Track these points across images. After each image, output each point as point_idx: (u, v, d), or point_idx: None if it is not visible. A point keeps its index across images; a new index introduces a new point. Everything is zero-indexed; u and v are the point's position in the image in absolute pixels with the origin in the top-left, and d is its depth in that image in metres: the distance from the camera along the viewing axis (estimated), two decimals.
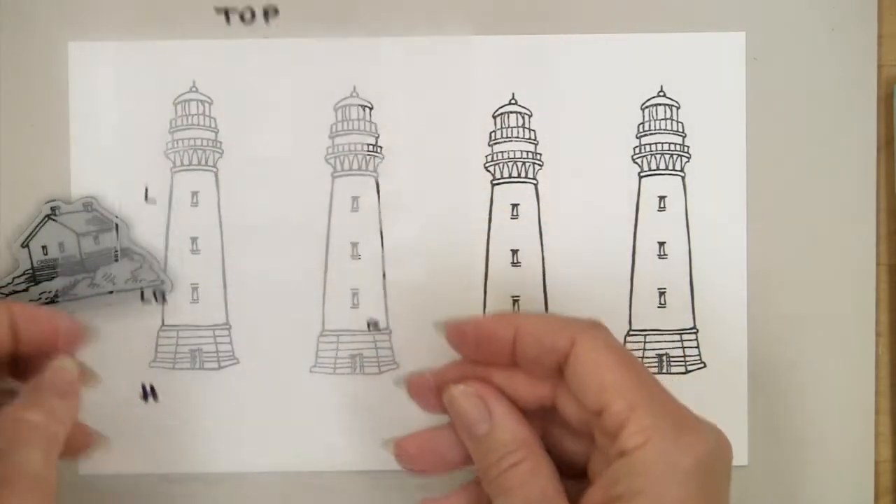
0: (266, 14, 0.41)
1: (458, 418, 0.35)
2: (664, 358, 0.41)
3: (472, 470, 0.36)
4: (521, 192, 0.42)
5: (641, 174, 0.42)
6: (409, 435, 0.37)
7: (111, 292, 0.41)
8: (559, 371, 0.34)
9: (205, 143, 0.41)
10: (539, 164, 0.42)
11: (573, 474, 0.35)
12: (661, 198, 0.42)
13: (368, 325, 0.41)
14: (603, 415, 0.32)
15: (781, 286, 0.41)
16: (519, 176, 0.42)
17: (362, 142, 0.41)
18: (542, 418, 0.36)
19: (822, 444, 0.41)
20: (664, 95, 0.42)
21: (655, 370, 0.41)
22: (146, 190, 0.41)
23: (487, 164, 0.42)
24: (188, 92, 0.41)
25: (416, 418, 0.41)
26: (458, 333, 0.36)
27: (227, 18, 0.41)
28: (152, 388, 0.41)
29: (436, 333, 0.36)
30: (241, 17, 0.41)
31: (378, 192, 0.42)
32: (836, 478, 0.41)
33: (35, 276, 0.40)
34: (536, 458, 0.34)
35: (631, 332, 0.41)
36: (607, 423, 0.32)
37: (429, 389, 0.36)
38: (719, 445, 0.32)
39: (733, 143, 0.41)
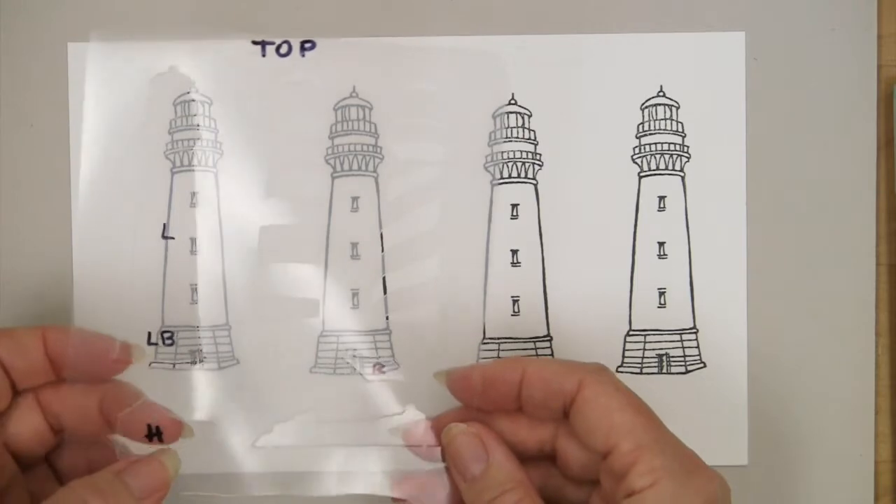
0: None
1: (454, 458, 0.35)
2: (664, 358, 0.41)
3: None
4: (521, 192, 0.42)
5: (641, 174, 0.42)
6: (406, 477, 0.37)
7: None
8: (563, 414, 0.34)
9: (205, 143, 0.41)
10: (539, 164, 0.42)
11: None
12: (661, 198, 0.42)
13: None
14: (610, 456, 0.32)
15: (781, 286, 0.41)
16: (519, 176, 0.42)
17: (362, 142, 0.41)
18: (539, 470, 0.36)
19: (822, 445, 0.41)
20: (664, 95, 0.42)
21: (655, 370, 0.41)
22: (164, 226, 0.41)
23: (487, 165, 0.42)
24: (188, 92, 0.41)
25: None
26: (462, 381, 0.36)
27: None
28: None
29: (437, 383, 0.36)
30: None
31: (378, 192, 0.42)
32: (836, 478, 0.41)
33: None
34: (533, 499, 0.33)
35: (631, 332, 0.41)
36: (615, 463, 0.32)
37: (425, 434, 0.37)
38: (723, 490, 0.32)
39: (733, 143, 0.41)
